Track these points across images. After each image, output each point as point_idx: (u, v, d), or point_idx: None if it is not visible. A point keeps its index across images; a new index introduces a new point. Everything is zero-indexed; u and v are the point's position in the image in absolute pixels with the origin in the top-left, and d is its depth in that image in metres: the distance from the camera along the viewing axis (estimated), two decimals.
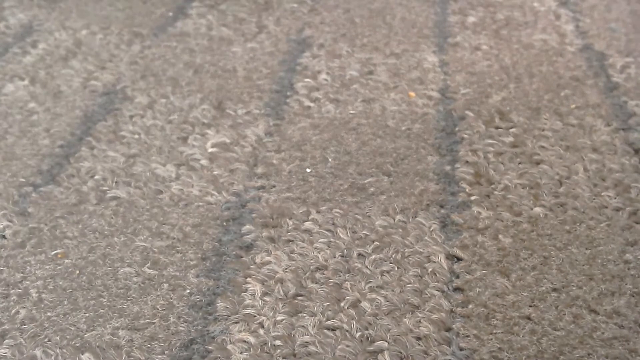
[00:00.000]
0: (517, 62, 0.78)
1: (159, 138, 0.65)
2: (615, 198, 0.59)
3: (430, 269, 0.51)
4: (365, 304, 0.49)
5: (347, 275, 0.51)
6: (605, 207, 0.58)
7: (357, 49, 0.81)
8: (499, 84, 0.74)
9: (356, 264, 0.52)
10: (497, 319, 0.48)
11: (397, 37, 0.84)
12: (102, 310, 0.48)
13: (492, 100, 0.72)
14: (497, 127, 0.68)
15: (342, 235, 0.54)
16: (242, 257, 0.53)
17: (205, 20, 0.87)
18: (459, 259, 0.53)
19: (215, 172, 0.61)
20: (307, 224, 0.55)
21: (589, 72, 0.77)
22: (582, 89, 0.74)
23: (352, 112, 0.70)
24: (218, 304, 0.49)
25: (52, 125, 0.67)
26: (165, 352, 0.45)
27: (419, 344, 0.46)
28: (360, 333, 0.47)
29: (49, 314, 0.48)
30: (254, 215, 0.56)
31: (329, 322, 0.47)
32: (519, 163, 0.63)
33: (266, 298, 0.49)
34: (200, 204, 0.58)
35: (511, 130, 0.67)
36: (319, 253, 0.53)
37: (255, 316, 0.48)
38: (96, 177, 0.60)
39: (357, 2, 0.93)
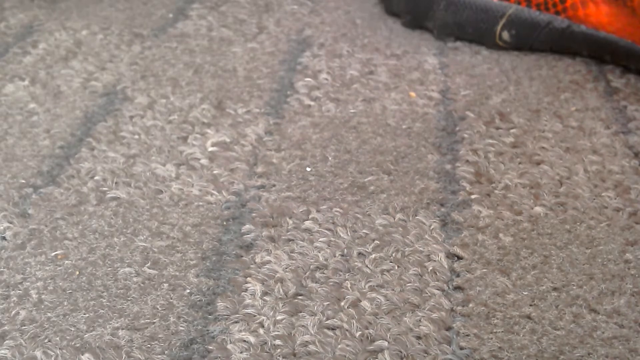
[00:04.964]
0: (516, 66, 0.78)
1: (159, 138, 0.65)
2: (615, 199, 0.59)
3: (431, 268, 0.51)
4: (365, 303, 0.49)
5: (347, 274, 0.51)
6: (606, 207, 0.58)
7: (358, 49, 0.81)
8: (499, 86, 0.74)
9: (356, 263, 0.52)
10: (497, 318, 0.48)
11: (397, 39, 0.84)
12: (102, 311, 0.48)
13: (492, 102, 0.72)
14: (497, 128, 0.68)
15: (342, 234, 0.54)
16: (242, 256, 0.53)
17: (206, 22, 0.87)
18: (459, 258, 0.53)
19: (215, 172, 0.61)
20: (307, 223, 0.55)
21: (588, 76, 0.77)
22: (582, 92, 0.74)
23: (352, 111, 0.70)
24: (218, 304, 0.49)
25: (53, 126, 0.67)
26: (165, 352, 0.45)
27: (419, 343, 0.46)
28: (360, 332, 0.47)
29: (49, 314, 0.48)
30: (254, 214, 0.56)
31: (329, 322, 0.47)
32: (520, 163, 0.63)
33: (266, 297, 0.49)
34: (200, 203, 0.58)
35: (511, 131, 0.67)
36: (319, 252, 0.53)
37: (255, 316, 0.48)
38: (96, 177, 0.60)
39: (358, 4, 0.93)
